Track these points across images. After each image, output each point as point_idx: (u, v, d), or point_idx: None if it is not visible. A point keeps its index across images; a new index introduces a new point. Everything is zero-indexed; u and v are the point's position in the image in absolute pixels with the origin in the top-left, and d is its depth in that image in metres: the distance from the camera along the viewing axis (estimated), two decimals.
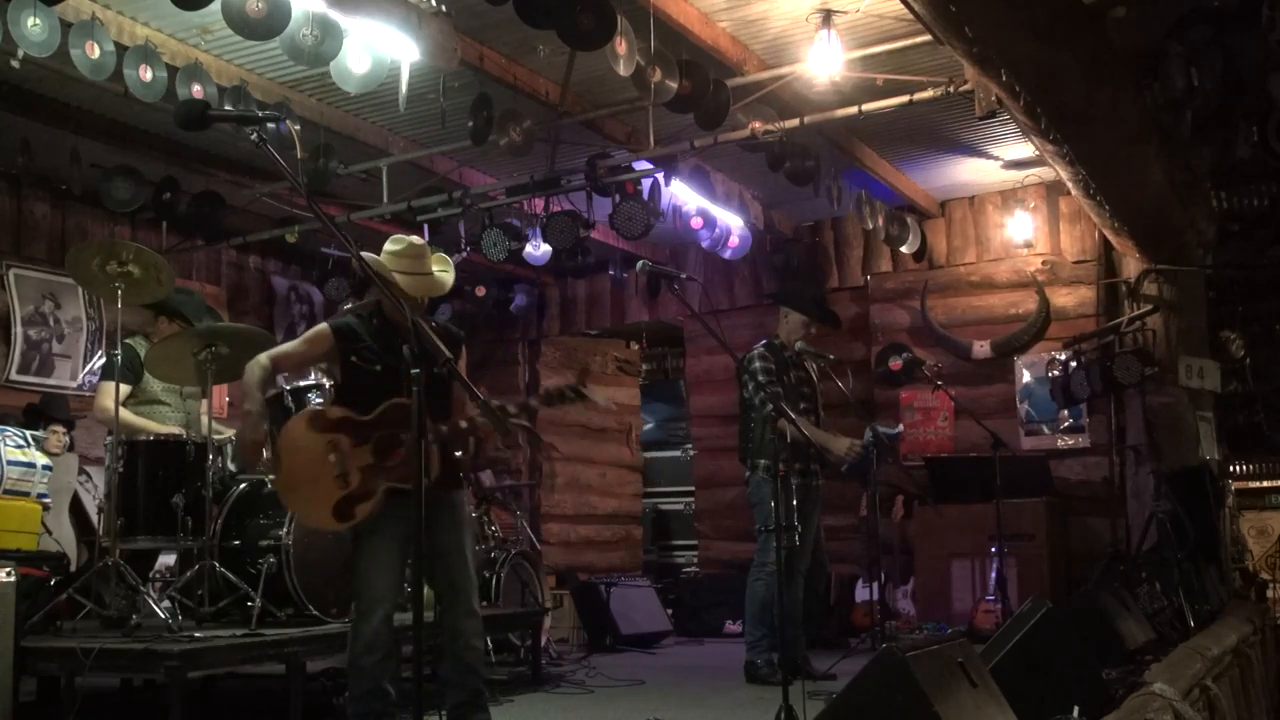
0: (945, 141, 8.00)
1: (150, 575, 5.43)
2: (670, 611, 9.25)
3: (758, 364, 6.07)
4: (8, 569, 4.13)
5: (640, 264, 4.48)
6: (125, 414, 5.35)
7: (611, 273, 10.15)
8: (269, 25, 5.00)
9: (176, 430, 5.39)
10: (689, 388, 10.81)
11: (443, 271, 4.32)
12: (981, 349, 9.01)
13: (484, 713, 4.22)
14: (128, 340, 5.56)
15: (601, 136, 7.20)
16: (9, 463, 5.15)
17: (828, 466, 6.21)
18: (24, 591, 4.24)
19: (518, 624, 6.70)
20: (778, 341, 6.24)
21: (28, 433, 5.48)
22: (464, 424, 4.06)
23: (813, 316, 6.29)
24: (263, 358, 4.16)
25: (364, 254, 4.27)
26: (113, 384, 5.12)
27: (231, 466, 5.41)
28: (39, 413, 6.83)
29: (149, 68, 5.63)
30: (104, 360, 5.45)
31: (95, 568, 4.80)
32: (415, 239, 4.28)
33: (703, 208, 7.94)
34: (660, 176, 7.29)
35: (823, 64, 6.09)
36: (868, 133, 7.64)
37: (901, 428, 8.59)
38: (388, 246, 4.23)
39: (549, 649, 7.24)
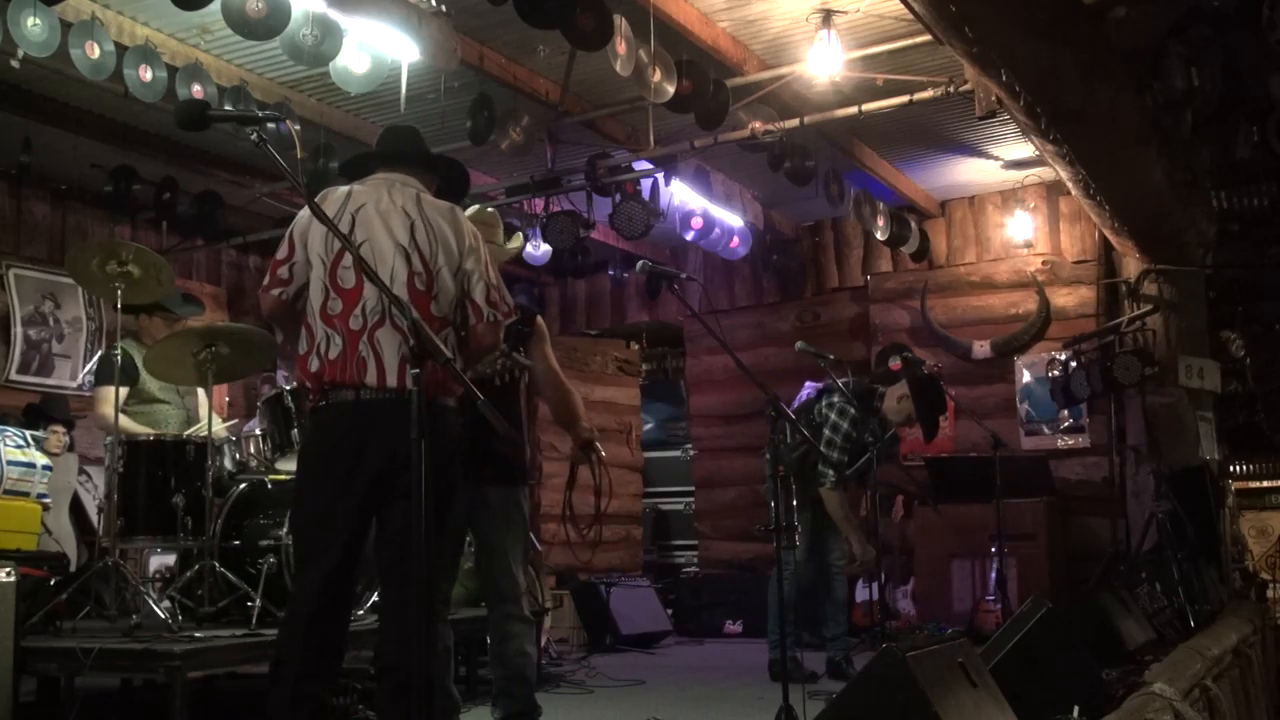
0: (945, 141, 8.00)
1: (151, 575, 5.43)
2: (670, 611, 9.25)
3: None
4: (8, 569, 4.13)
5: (640, 264, 4.47)
6: (125, 421, 5.36)
7: (611, 273, 10.15)
8: (269, 25, 5.00)
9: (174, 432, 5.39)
10: (689, 388, 10.81)
11: (505, 243, 4.33)
12: (981, 349, 9.01)
13: None
14: (119, 342, 5.55)
15: (601, 136, 7.20)
16: (9, 463, 5.14)
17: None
18: (24, 591, 4.23)
19: None
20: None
21: (28, 433, 5.47)
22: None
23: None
24: None
25: None
26: (109, 388, 5.10)
27: (230, 466, 5.41)
28: (39, 413, 6.82)
29: (149, 68, 5.62)
30: (97, 363, 5.42)
31: (95, 568, 4.79)
32: (489, 208, 4.27)
33: (703, 208, 7.94)
34: (660, 176, 7.29)
35: (823, 64, 6.09)
36: (868, 133, 7.64)
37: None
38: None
39: (549, 649, 7.24)
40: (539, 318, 4.44)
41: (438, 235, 3.31)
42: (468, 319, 3.38)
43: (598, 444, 4.29)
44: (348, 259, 3.21)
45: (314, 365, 3.22)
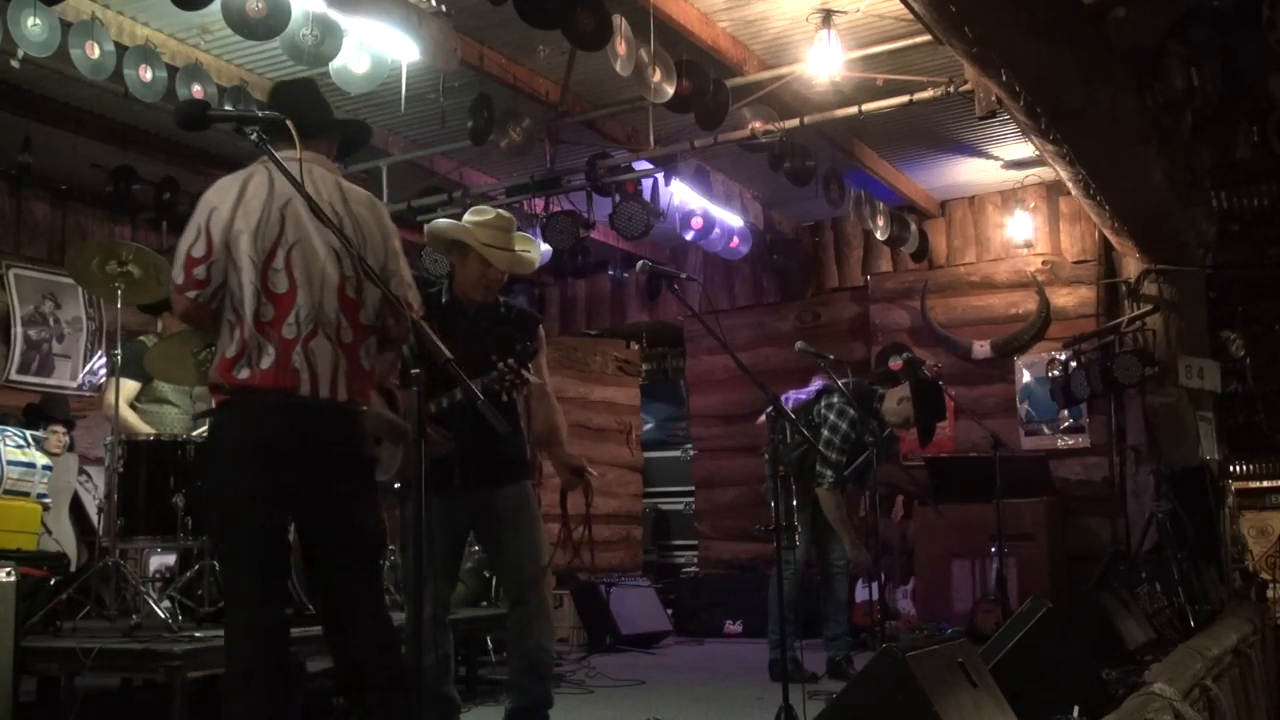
0: (945, 141, 8.00)
1: (151, 575, 5.43)
2: (670, 611, 9.25)
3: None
4: (8, 569, 4.13)
5: (640, 264, 4.47)
6: (129, 414, 5.36)
7: (611, 273, 10.14)
8: (269, 25, 5.01)
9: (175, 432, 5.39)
10: (689, 388, 10.81)
11: (525, 251, 4.20)
12: (981, 349, 9.01)
13: None
14: (140, 337, 5.56)
15: (601, 136, 7.20)
16: (9, 463, 5.15)
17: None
18: (24, 591, 4.23)
19: None
20: None
21: (28, 433, 5.48)
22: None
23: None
24: None
25: (440, 220, 4.20)
26: (121, 380, 5.14)
27: None
28: (39, 413, 6.82)
29: (149, 68, 5.63)
30: (113, 358, 5.43)
31: (95, 568, 4.79)
32: (503, 211, 4.16)
33: (703, 208, 7.94)
34: (660, 176, 7.29)
35: (823, 64, 6.10)
36: (868, 133, 7.64)
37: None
38: (470, 216, 4.11)
39: None
40: (540, 327, 4.37)
41: (365, 234, 3.09)
42: (386, 320, 3.15)
43: (590, 470, 4.25)
44: (278, 261, 2.99)
45: (243, 374, 2.99)
